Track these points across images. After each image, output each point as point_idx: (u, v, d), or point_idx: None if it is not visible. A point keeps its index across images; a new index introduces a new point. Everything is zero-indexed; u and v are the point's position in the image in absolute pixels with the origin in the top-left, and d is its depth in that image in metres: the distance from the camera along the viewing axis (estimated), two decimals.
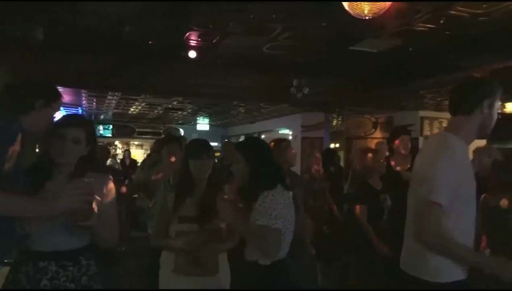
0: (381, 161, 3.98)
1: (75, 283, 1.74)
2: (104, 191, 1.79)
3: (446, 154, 1.71)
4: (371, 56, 6.14)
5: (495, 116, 1.78)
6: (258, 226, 1.92)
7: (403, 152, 3.93)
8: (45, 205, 1.64)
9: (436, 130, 9.81)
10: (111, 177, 1.89)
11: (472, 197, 1.74)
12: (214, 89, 7.49)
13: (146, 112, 11.42)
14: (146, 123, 13.96)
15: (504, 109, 5.31)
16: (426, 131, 9.51)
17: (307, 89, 7.56)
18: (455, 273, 1.67)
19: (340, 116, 10.45)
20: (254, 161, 2.05)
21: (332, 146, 11.12)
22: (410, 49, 5.80)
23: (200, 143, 2.24)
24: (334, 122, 11.50)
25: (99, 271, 1.82)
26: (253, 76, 7.53)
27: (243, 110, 10.85)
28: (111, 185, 1.86)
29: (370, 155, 3.99)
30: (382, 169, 3.84)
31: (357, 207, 3.77)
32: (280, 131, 11.84)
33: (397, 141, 4.01)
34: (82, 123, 1.80)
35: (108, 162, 8.13)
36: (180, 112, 11.20)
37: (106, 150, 7.12)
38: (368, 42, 5.68)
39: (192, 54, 5.83)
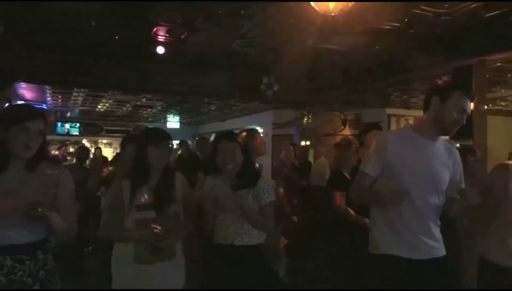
0: (355, 152, 4.04)
1: (32, 278, 1.69)
2: (63, 182, 1.75)
3: (377, 138, 2.03)
4: (339, 54, 6.24)
5: (449, 114, 1.87)
6: (268, 203, 2.17)
7: None
8: (7, 198, 1.60)
9: None
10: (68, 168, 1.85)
11: (411, 182, 1.85)
12: (184, 87, 7.43)
13: (115, 109, 11.21)
14: (114, 121, 13.69)
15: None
16: (393, 128, 9.74)
17: (277, 86, 7.60)
18: (387, 246, 1.85)
19: (310, 114, 10.58)
20: (246, 150, 2.28)
21: (303, 143, 11.25)
22: (377, 47, 5.92)
23: (160, 131, 2.22)
24: (305, 119, 11.63)
25: (57, 266, 1.78)
26: (223, 74, 7.52)
27: (213, 108, 10.80)
28: (70, 177, 1.83)
29: (344, 145, 4.07)
30: (355, 160, 3.90)
31: (335, 194, 3.79)
32: None
33: (369, 136, 4.05)
34: (43, 115, 1.77)
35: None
36: (149, 109, 11.04)
37: (87, 150, 6.99)
38: (335, 40, 5.76)
39: (160, 50, 5.76)
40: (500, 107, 9.20)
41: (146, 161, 2.12)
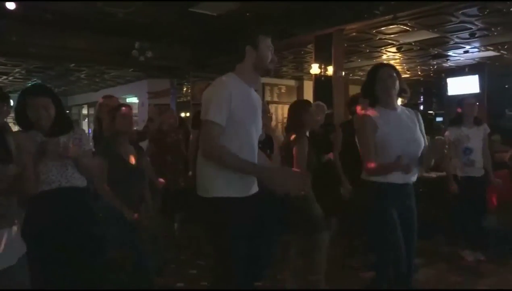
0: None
1: None
2: None
3: (220, 85, 1.97)
4: (212, 19, 6.25)
5: (265, 57, 1.97)
6: (88, 150, 2.38)
7: None
8: None
9: (276, 96, 10.60)
10: None
11: (247, 126, 1.98)
12: (44, 50, 6.72)
13: None
14: None
15: (327, 72, 5.97)
16: (267, 97, 10.19)
17: (150, 52, 7.35)
18: (221, 190, 1.91)
19: (189, 84, 10.48)
20: (57, 101, 2.33)
21: (182, 115, 11.12)
22: (248, 14, 6.05)
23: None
24: (184, 89, 11.47)
25: None
26: (91, 37, 6.99)
27: (83, 76, 10.04)
28: None
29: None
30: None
31: None
32: (127, 99, 11.35)
33: None
34: None
35: None
36: (5, 77, 9.82)
37: None
38: (207, 4, 5.74)
39: (10, 5, 5.10)
40: (358, 77, 10.20)
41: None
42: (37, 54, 6.90)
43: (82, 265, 2.21)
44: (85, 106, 13.68)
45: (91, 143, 2.46)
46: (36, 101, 2.20)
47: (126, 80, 10.70)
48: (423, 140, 2.32)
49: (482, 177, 3.85)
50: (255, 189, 2.02)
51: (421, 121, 2.39)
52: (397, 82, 2.32)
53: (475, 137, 3.84)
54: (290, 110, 3.17)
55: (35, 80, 10.77)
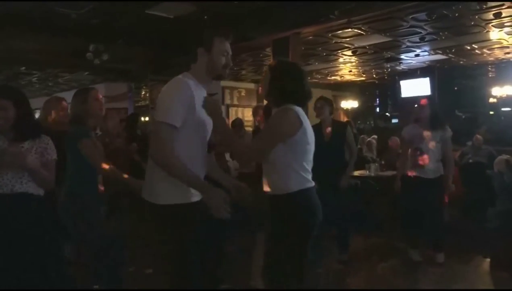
0: None
1: None
2: None
3: (175, 87, 1.89)
4: (169, 22, 6.17)
5: (218, 60, 1.96)
6: (52, 160, 2.28)
7: None
8: None
9: (236, 99, 10.61)
10: None
11: (205, 127, 1.96)
12: None
13: None
14: None
15: None
16: (227, 100, 10.19)
17: (106, 55, 7.16)
18: (173, 196, 1.85)
19: (147, 87, 10.30)
20: (23, 104, 2.25)
21: (142, 119, 10.92)
22: (205, 17, 6.03)
23: None
24: (142, 93, 11.25)
25: None
26: (42, 39, 6.72)
27: (35, 80, 9.66)
28: None
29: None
30: None
31: None
32: None
33: None
34: None
35: None
36: None
37: None
38: (164, 6, 5.67)
39: None
40: (316, 80, 10.40)
41: None
42: None
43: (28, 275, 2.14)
44: (38, 111, 13.15)
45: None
46: None
47: (81, 84, 10.35)
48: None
49: (433, 180, 3.76)
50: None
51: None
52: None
53: (429, 139, 3.78)
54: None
55: None
